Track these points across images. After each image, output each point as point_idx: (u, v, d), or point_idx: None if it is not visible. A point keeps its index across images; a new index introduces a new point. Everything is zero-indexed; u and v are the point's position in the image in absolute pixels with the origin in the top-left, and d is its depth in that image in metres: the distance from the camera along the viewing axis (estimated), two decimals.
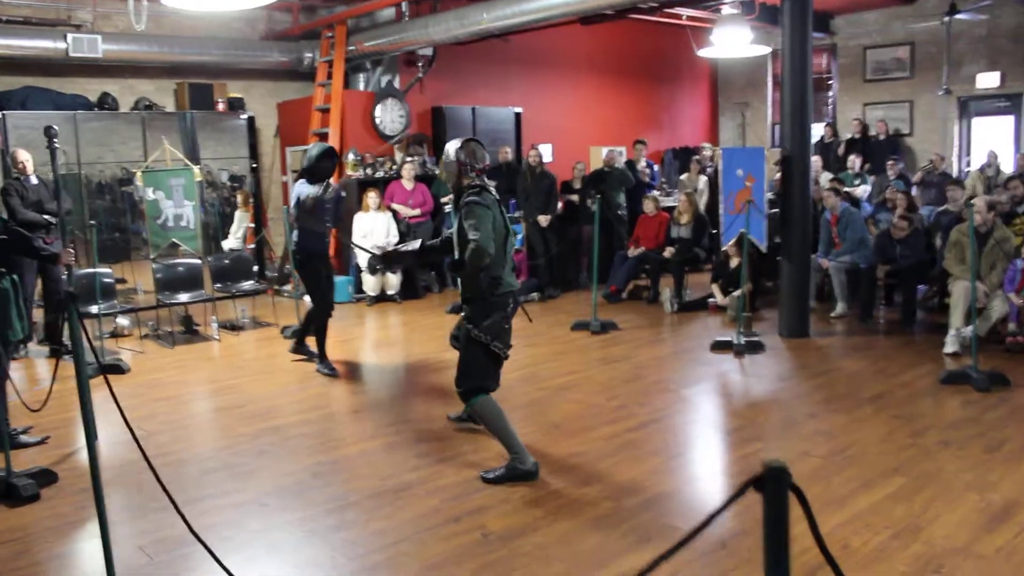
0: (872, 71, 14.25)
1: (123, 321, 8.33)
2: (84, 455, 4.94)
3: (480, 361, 4.48)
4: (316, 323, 6.85)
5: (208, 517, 4.03)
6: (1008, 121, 13.30)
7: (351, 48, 10.50)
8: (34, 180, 7.38)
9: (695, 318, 8.80)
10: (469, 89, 12.04)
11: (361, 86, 11.10)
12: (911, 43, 13.73)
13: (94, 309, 7.26)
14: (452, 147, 4.55)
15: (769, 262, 9.18)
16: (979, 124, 13.62)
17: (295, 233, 6.80)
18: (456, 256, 4.43)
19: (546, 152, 10.85)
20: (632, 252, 9.86)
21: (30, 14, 9.31)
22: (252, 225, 10.96)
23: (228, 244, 10.92)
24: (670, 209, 10.36)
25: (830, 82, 14.85)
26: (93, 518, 3.28)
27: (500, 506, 4.11)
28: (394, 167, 10.61)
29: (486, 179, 4.52)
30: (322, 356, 6.87)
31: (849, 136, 13.48)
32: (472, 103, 11.72)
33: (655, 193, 10.85)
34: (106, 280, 7.78)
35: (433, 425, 5.43)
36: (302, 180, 6.67)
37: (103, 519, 3.26)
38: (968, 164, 13.56)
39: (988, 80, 13.15)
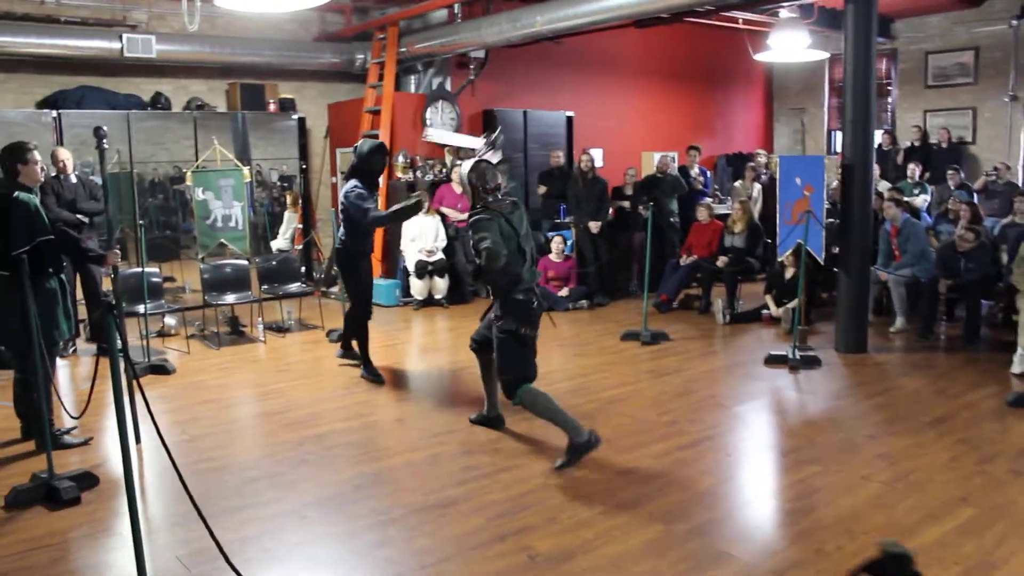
0: (934, 77, 13.85)
1: (170, 320, 8.35)
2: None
3: (514, 353, 4.89)
4: (357, 327, 6.75)
5: (247, 528, 3.95)
6: None
7: (403, 50, 10.44)
8: (73, 179, 7.38)
9: (748, 330, 8.57)
10: (520, 92, 11.92)
11: (412, 88, 11.04)
12: (975, 48, 13.30)
13: (141, 308, 7.27)
14: (465, 168, 5.06)
15: (825, 273, 8.93)
16: None
17: (341, 231, 6.65)
18: (475, 265, 4.88)
19: (597, 157, 10.69)
20: (684, 261, 9.65)
21: (87, 15, 9.40)
22: (301, 226, 10.96)
23: (276, 244, 10.91)
24: (723, 217, 10.13)
25: (889, 88, 14.46)
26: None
27: (547, 526, 3.97)
28: (444, 170, 10.52)
29: (499, 196, 4.96)
30: (366, 362, 6.78)
31: (908, 144, 13.11)
32: (523, 106, 11.60)
33: (708, 200, 10.62)
34: (153, 280, 7.78)
35: (478, 436, 5.31)
36: (352, 179, 6.49)
37: (136, 527, 3.20)
38: None
39: None
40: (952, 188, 11.57)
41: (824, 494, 4.36)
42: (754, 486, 4.60)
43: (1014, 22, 12.62)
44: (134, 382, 5.08)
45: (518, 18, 9.16)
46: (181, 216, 10.46)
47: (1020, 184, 12.23)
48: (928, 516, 4.09)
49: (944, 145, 12.95)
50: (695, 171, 11.36)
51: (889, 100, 14.49)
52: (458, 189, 10.09)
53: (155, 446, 5.01)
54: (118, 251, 5.53)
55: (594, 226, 9.96)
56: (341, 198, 6.53)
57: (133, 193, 9.57)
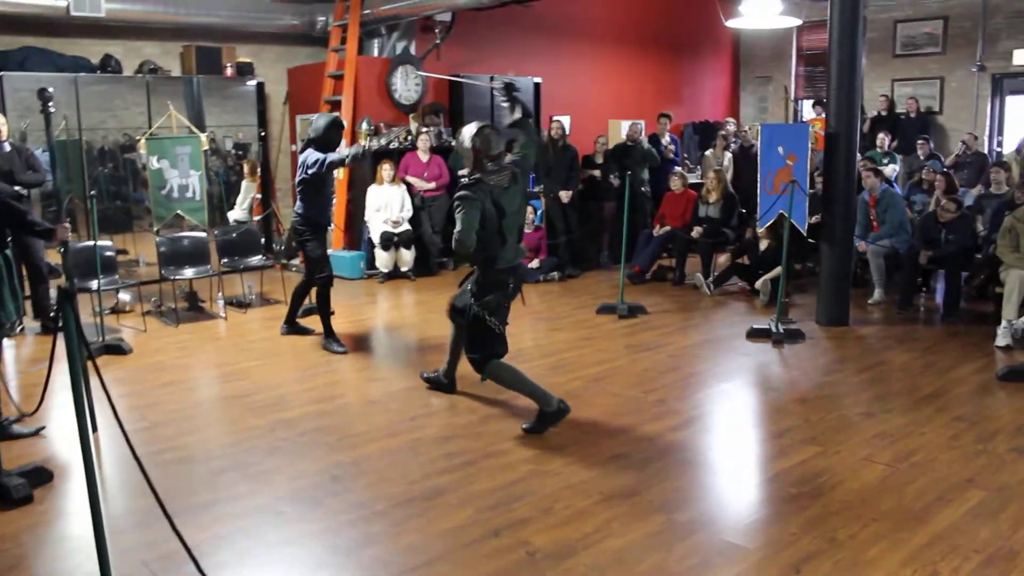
0: (902, 46, 13.72)
1: (124, 296, 7.90)
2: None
3: (484, 333, 4.82)
4: (320, 299, 6.63)
5: (219, 526, 3.64)
6: None
7: (367, 12, 9.98)
8: (7, 147, 6.77)
9: (723, 303, 8.38)
10: (487, 57, 11.52)
11: (376, 53, 10.59)
12: (944, 17, 13.19)
13: (93, 284, 6.85)
14: (468, 133, 4.80)
15: (799, 244, 8.76)
16: (1013, 103, 13.12)
17: (298, 203, 6.59)
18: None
19: (564, 124, 10.37)
20: (657, 231, 9.42)
21: None
22: (259, 196, 10.51)
23: (233, 215, 10.46)
24: (695, 186, 9.90)
25: None
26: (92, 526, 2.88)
27: (543, 518, 3.71)
28: (409, 137, 10.15)
29: (502, 163, 4.75)
30: (328, 332, 6.60)
31: (875, 113, 12.98)
32: (490, 72, 11.20)
33: (679, 169, 10.38)
34: (107, 254, 7.33)
35: (458, 419, 5.04)
36: (309, 150, 6.39)
37: (99, 532, 2.87)
38: (1000, 145, 13.09)
39: None
40: (921, 158, 11.49)
41: (828, 477, 4.17)
42: (754, 470, 4.39)
43: None
44: (89, 364, 4.76)
45: None
46: (132, 186, 9.96)
47: (988, 154, 12.22)
48: (938, 499, 3.91)
49: (912, 115, 12.85)
50: (666, 139, 11.11)
51: None
52: (424, 157, 9.75)
53: (113, 434, 4.68)
54: (68, 224, 5.11)
55: (565, 195, 9.68)
56: (299, 170, 6.46)
57: (82, 162, 9.06)
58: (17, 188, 6.71)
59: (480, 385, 5.18)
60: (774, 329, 6.89)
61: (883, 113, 12.87)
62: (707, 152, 11.86)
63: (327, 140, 6.38)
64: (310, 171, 6.29)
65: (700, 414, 5.17)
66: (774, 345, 6.74)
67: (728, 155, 11.50)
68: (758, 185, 7.47)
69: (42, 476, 4.10)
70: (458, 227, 4.58)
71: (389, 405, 5.29)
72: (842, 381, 5.85)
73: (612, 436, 4.74)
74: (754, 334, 6.95)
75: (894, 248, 8.20)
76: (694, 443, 4.68)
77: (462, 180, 4.76)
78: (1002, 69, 12.80)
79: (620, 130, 12.91)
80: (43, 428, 4.83)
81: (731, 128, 12.50)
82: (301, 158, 6.44)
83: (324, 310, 6.64)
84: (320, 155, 6.27)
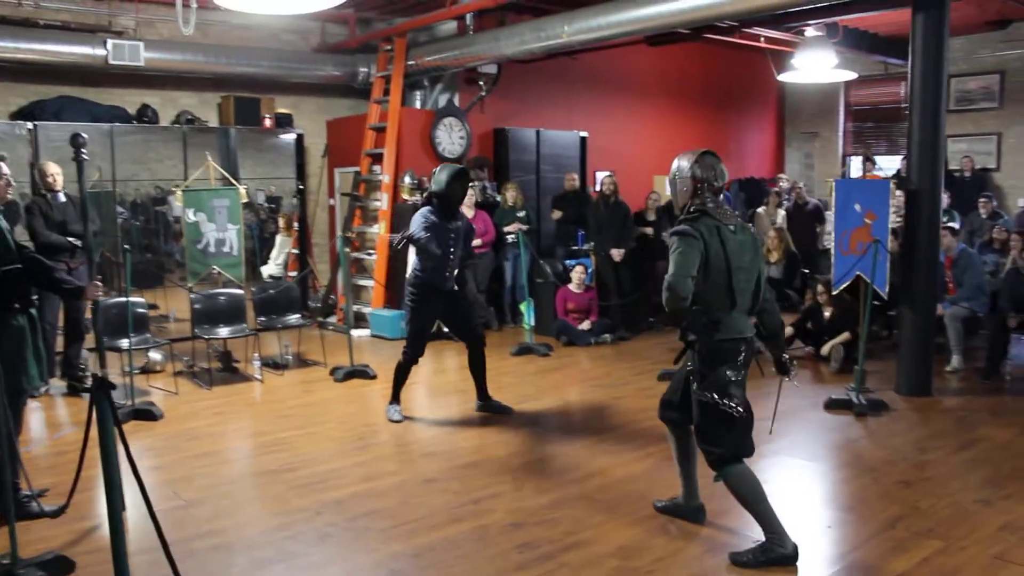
0: (956, 101, 13.27)
1: (155, 356, 7.49)
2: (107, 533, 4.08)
3: (717, 424, 3.78)
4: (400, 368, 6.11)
5: None
6: None
7: (411, 63, 9.69)
8: (62, 198, 6.54)
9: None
10: (532, 110, 11.20)
11: (418, 105, 10.28)
12: (1001, 71, 12.76)
13: (124, 343, 6.43)
14: (686, 161, 3.88)
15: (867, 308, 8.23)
16: None
17: (414, 262, 6.09)
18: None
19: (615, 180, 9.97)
20: None
21: (69, 19, 8.59)
22: (295, 251, 10.15)
23: (268, 271, 10.13)
24: None
25: (907, 112, 13.82)
26: None
27: None
28: None
29: (721, 203, 3.85)
30: (395, 397, 6.14)
31: (900, 171, 12.47)
32: (535, 125, 10.88)
33: None
34: (138, 310, 6.92)
35: (526, 502, 4.51)
36: (427, 208, 5.88)
37: None
38: None
39: None
40: (983, 216, 10.97)
41: None
42: (880, 569, 3.78)
43: None
44: (116, 431, 4.31)
45: (542, 28, 8.37)
46: (163, 239, 9.64)
47: None
48: None
49: (967, 174, 12.36)
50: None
51: (907, 124, 13.87)
52: (469, 212, 9.33)
53: (142, 515, 4.17)
54: (99, 282, 4.70)
55: (617, 254, 9.23)
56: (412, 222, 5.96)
57: (114, 214, 8.73)
58: (71, 239, 6.38)
59: (547, 460, 4.64)
60: (855, 400, 6.34)
61: None
62: (759, 209, 11.38)
63: (450, 195, 5.84)
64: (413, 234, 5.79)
65: (796, 500, 4.60)
66: (856, 418, 6.18)
67: (782, 212, 11.02)
68: (832, 245, 6.98)
69: (63, 567, 3.61)
70: (670, 271, 3.62)
71: (448, 484, 4.77)
72: (942, 461, 5.27)
73: (707, 524, 4.19)
74: (833, 405, 6.40)
75: (973, 312, 7.67)
76: (798, 535, 4.10)
77: (682, 220, 3.80)
78: None
79: (664, 186, 12.52)
80: (65, 507, 4.34)
81: (784, 184, 12.04)
82: (414, 216, 5.94)
83: (400, 378, 6.16)
84: (426, 218, 5.75)
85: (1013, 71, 12.63)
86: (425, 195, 6.13)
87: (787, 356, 4.11)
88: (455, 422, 6.16)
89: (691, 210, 3.81)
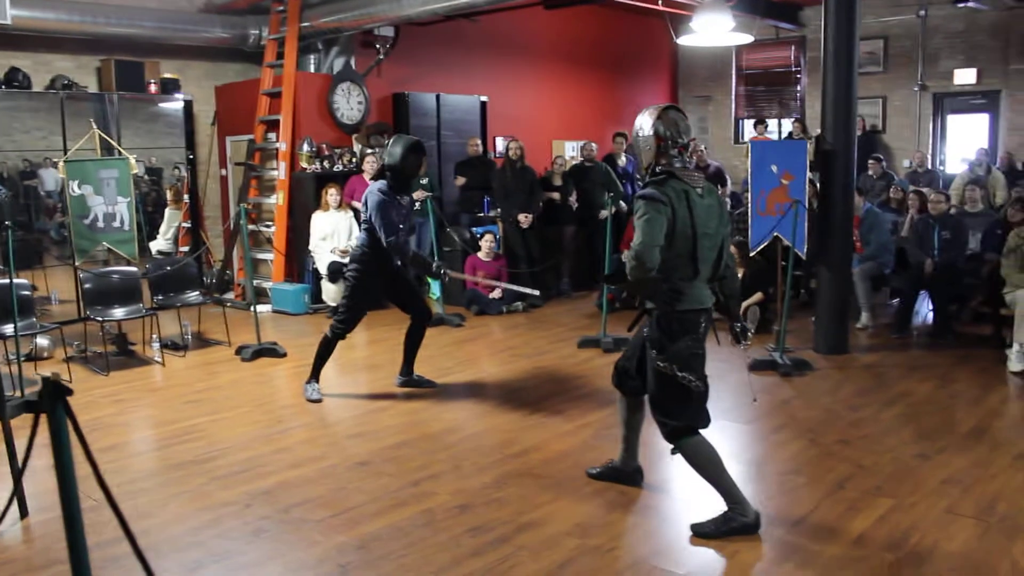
0: None
1: (43, 341, 6.89)
2: (11, 536, 3.67)
3: (675, 396, 3.63)
4: (326, 345, 5.79)
5: None
6: (983, 119, 12.82)
7: (306, 24, 9.18)
8: None
9: None
10: (430, 74, 10.84)
11: (312, 69, 9.77)
12: (884, 37, 13.12)
13: (8, 329, 5.87)
14: (648, 118, 3.64)
15: (774, 268, 8.31)
16: (954, 121, 13.10)
17: (361, 235, 5.68)
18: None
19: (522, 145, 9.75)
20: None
21: None
22: (187, 224, 9.57)
23: (156, 246, 9.52)
24: None
25: (798, 76, 14.16)
26: None
27: None
28: (353, 160, 9.37)
29: (687, 160, 3.68)
30: (315, 375, 5.83)
31: (819, 132, 12.74)
32: (434, 90, 10.54)
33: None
34: (23, 292, 6.32)
35: (469, 481, 4.28)
36: (381, 181, 5.53)
37: None
38: (943, 163, 13.06)
39: (965, 76, 12.62)
40: (873, 177, 11.27)
41: (920, 537, 3.58)
42: (840, 531, 3.72)
43: (922, 12, 12.50)
44: (4, 424, 3.87)
45: None
46: (34, 215, 8.91)
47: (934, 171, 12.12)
48: None
49: (859, 133, 12.67)
50: (622, 160, 10.58)
51: (798, 88, 14.19)
52: (372, 182, 8.96)
53: (48, 519, 3.78)
54: None
55: (524, 219, 9.05)
56: (362, 205, 5.66)
57: None
58: None
59: (481, 436, 4.44)
60: (779, 360, 6.36)
61: None
62: None
63: (404, 168, 5.47)
64: (371, 215, 5.43)
65: (742, 460, 4.53)
66: (783, 378, 6.20)
67: None
68: (748, 206, 6.96)
69: None
70: (637, 239, 3.44)
71: (382, 467, 4.49)
72: (873, 418, 5.31)
73: (656, 493, 4.07)
74: (758, 366, 6.41)
75: (880, 269, 7.83)
76: (756, 497, 3.98)
77: (648, 183, 3.59)
78: (943, 88, 12.77)
79: (564, 151, 12.40)
80: None
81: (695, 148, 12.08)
82: (366, 192, 5.60)
83: (322, 356, 5.84)
84: (385, 195, 5.40)
85: (895, 36, 13.00)
86: (380, 168, 5.84)
87: (740, 324, 4.00)
88: (376, 398, 5.86)
89: (657, 171, 3.61)
